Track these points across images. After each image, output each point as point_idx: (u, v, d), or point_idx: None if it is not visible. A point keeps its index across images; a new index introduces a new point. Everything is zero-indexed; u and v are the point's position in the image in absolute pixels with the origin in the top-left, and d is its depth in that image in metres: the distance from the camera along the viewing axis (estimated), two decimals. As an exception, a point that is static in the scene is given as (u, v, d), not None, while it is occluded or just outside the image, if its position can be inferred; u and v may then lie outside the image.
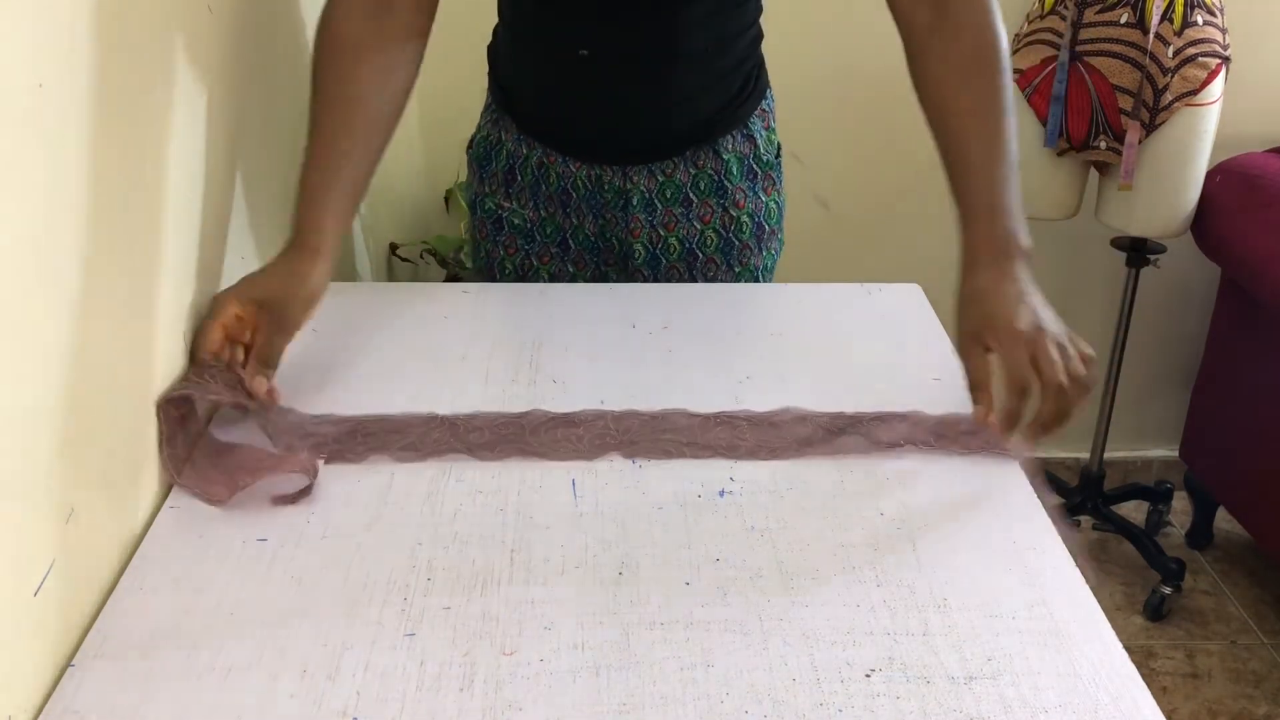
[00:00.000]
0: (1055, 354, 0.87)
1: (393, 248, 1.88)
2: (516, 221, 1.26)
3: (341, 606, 0.75)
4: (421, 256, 1.95)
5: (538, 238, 1.26)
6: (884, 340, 1.11)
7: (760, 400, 0.99)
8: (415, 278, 1.95)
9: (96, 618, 0.74)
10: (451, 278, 1.91)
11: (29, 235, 0.67)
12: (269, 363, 0.93)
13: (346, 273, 1.57)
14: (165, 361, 0.88)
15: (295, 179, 1.26)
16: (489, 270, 1.30)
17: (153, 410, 0.85)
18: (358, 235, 1.65)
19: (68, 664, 0.70)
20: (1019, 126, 1.97)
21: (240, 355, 0.94)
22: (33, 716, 0.66)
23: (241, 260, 1.07)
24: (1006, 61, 1.01)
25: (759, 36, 1.23)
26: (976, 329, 0.91)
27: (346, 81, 1.03)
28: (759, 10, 1.20)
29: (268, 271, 0.97)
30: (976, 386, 0.90)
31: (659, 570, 0.79)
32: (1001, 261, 0.94)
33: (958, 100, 1.01)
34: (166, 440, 0.86)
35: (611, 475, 0.89)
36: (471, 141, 1.30)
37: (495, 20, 1.25)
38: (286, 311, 0.94)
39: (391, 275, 1.90)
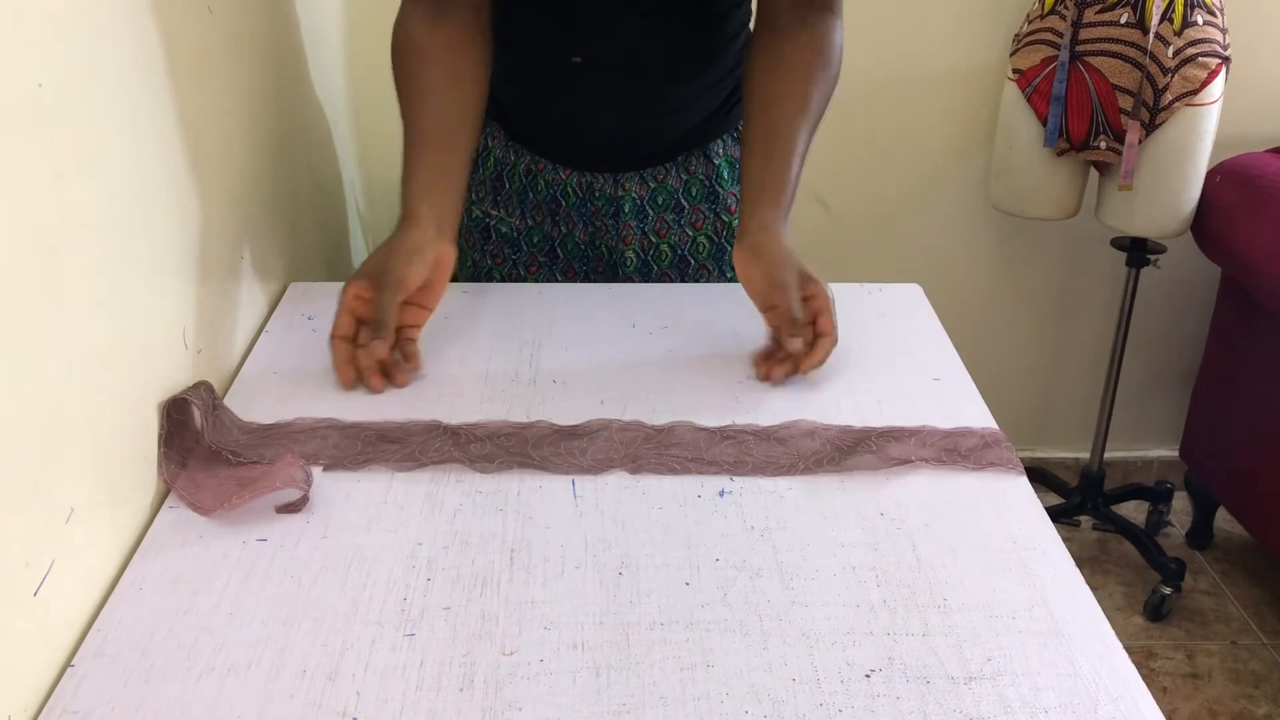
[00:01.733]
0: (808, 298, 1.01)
1: (393, 248, 1.88)
2: (504, 230, 1.26)
3: (341, 606, 0.75)
4: (421, 256, 1.95)
5: (525, 246, 1.26)
6: (884, 340, 1.11)
7: (761, 401, 0.99)
8: (415, 278, 1.95)
9: (96, 618, 0.74)
10: (451, 278, 1.91)
11: (28, 235, 0.67)
12: (380, 323, 0.96)
13: (346, 272, 1.57)
14: (166, 361, 0.88)
15: (295, 176, 1.26)
16: (475, 279, 1.30)
17: (153, 411, 0.85)
18: (357, 235, 1.65)
19: (68, 664, 0.70)
20: (1019, 126, 1.98)
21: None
22: (33, 716, 0.67)
23: (241, 259, 1.07)
24: (829, 87, 1.10)
25: (749, 40, 1.23)
26: (778, 273, 1.02)
27: (419, 78, 1.07)
28: (748, 16, 1.21)
29: (376, 251, 1.02)
30: (790, 322, 1.00)
31: (659, 570, 0.79)
32: (780, 222, 1.06)
33: (776, 89, 1.09)
34: (164, 442, 0.86)
35: (611, 476, 0.89)
36: None
37: None
38: (390, 271, 0.98)
39: (391, 275, 1.89)
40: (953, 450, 0.93)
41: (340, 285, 1.02)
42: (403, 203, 1.03)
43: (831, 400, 1.00)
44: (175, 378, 0.90)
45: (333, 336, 0.99)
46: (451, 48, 1.08)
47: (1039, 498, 0.89)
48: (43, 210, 0.69)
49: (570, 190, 1.23)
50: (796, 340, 0.99)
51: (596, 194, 1.22)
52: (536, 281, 1.27)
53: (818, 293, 1.01)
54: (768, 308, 1.03)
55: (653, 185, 1.22)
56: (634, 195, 1.22)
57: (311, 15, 1.37)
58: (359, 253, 1.65)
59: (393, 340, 0.97)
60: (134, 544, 0.81)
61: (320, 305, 1.15)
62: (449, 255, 1.03)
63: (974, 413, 0.99)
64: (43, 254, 0.69)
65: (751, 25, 1.22)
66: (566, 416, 0.96)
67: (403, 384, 0.99)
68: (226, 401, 0.98)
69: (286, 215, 1.23)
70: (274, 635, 0.72)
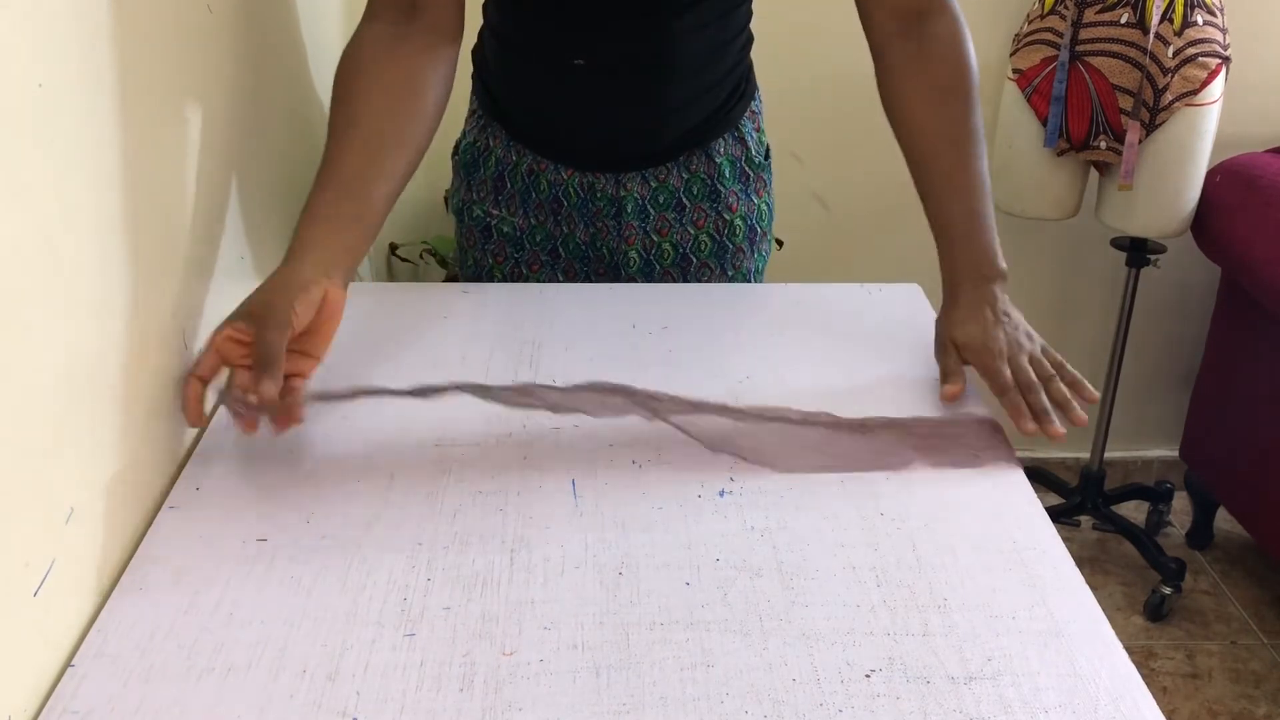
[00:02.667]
0: (1026, 362, 0.97)
1: (393, 248, 1.89)
2: (506, 229, 1.25)
3: (341, 606, 0.75)
4: (421, 256, 1.95)
5: (527, 246, 1.26)
6: (884, 340, 1.11)
7: (761, 402, 0.99)
8: (415, 278, 1.96)
9: (96, 618, 0.74)
10: (451, 278, 1.91)
11: (28, 235, 0.67)
12: (267, 362, 0.85)
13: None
14: (166, 361, 0.88)
15: (295, 177, 1.26)
16: (477, 279, 1.29)
17: (153, 411, 0.85)
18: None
19: (68, 664, 0.70)
20: (1019, 126, 1.98)
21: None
22: (33, 716, 0.66)
23: (241, 260, 1.07)
24: (977, 92, 1.06)
25: (750, 41, 1.23)
26: (956, 345, 1.00)
27: (355, 104, 1.00)
28: (749, 16, 1.21)
29: (254, 292, 0.91)
30: (948, 374, 1.00)
31: (659, 570, 0.79)
32: (981, 285, 1.02)
33: (933, 126, 1.06)
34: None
35: (611, 475, 0.89)
36: (457, 147, 1.30)
37: (481, 22, 1.24)
38: (272, 309, 0.87)
39: (391, 275, 1.90)
40: (942, 436, 0.94)
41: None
42: (292, 239, 0.94)
43: (832, 400, 1.00)
44: (175, 378, 0.90)
45: (190, 375, 0.88)
46: (403, 77, 1.02)
47: (1039, 498, 0.89)
48: (43, 210, 0.69)
49: (572, 191, 1.22)
50: (1028, 424, 0.94)
51: (598, 195, 1.22)
52: (538, 281, 1.27)
53: (985, 363, 0.97)
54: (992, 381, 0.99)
55: (654, 185, 1.22)
56: (636, 195, 1.22)
57: (311, 15, 1.37)
58: (359, 253, 1.65)
59: (281, 384, 0.85)
60: (134, 544, 0.81)
61: (325, 299, 1.14)
62: (338, 297, 0.92)
63: (974, 412, 0.99)
64: (43, 254, 0.69)
65: (752, 25, 1.23)
66: (566, 417, 0.96)
67: (286, 426, 0.88)
68: (226, 401, 0.99)
69: (287, 215, 1.23)
70: (274, 635, 0.72)
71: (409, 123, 1.02)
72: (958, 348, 1.00)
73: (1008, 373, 0.97)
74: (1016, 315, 1.02)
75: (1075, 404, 0.95)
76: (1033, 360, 0.98)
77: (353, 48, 1.04)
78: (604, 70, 1.15)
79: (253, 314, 0.88)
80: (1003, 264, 1.03)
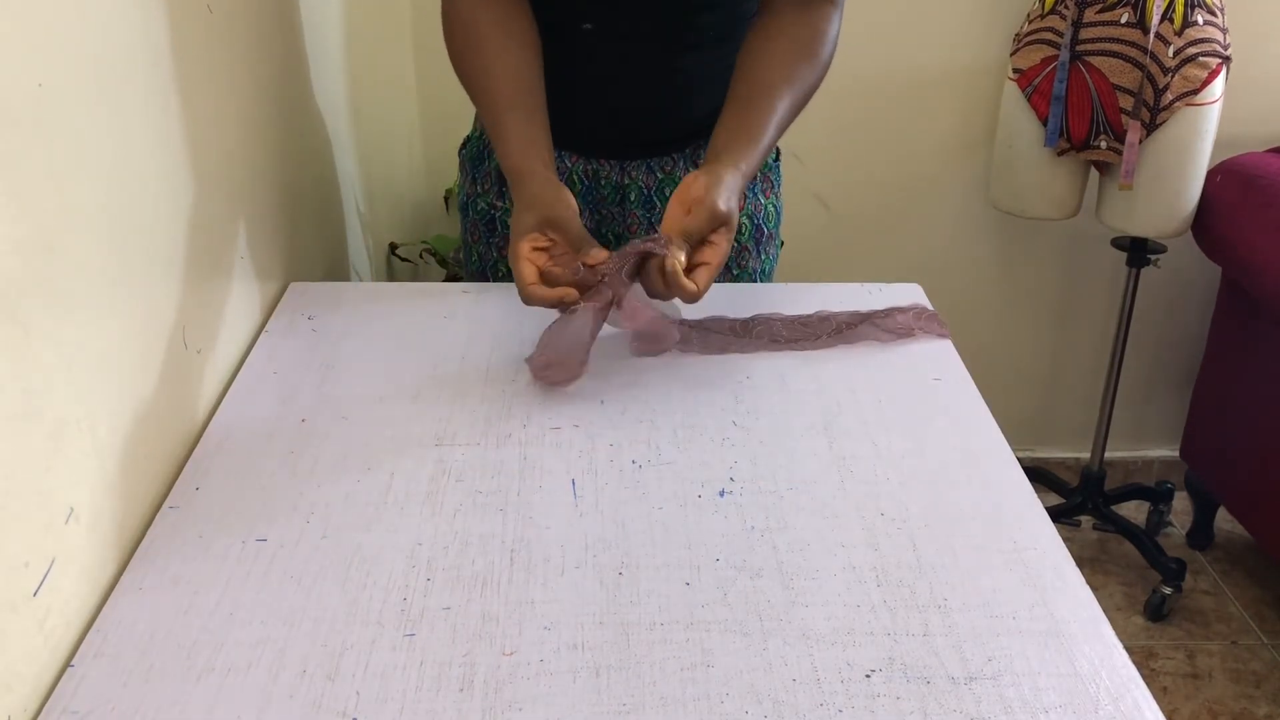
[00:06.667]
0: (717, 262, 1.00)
1: (392, 248, 1.88)
2: (509, 221, 1.25)
3: (341, 606, 0.75)
4: (421, 256, 1.95)
5: None
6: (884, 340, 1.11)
7: (761, 401, 0.99)
8: (415, 277, 1.96)
9: (96, 618, 0.74)
10: (451, 277, 1.91)
11: (27, 235, 0.67)
12: (585, 240, 1.01)
13: (346, 272, 1.57)
14: (166, 361, 0.88)
15: (294, 176, 1.26)
16: (482, 275, 1.29)
17: (151, 409, 0.85)
18: (357, 235, 1.65)
19: (68, 664, 0.70)
20: (1019, 126, 1.98)
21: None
22: (33, 716, 0.67)
23: (241, 260, 1.07)
24: (820, 73, 1.13)
25: None
26: (701, 200, 1.00)
27: (481, 53, 1.11)
28: None
29: (516, 214, 1.03)
30: (672, 238, 1.00)
31: (659, 570, 0.79)
32: (739, 181, 1.04)
33: (777, 61, 1.11)
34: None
35: (611, 475, 0.89)
36: (465, 142, 1.30)
37: None
38: (556, 207, 1.01)
39: (391, 275, 1.90)
40: (889, 315, 1.12)
41: (340, 285, 1.02)
42: (508, 164, 1.06)
43: (832, 401, 1.00)
44: (175, 377, 0.90)
45: (527, 286, 0.99)
46: (505, 17, 1.12)
47: (1039, 498, 0.89)
48: (43, 210, 0.69)
49: (576, 179, 1.22)
50: (680, 254, 0.98)
51: (603, 181, 1.22)
52: None
53: (720, 241, 1.00)
54: (682, 212, 1.02)
55: (660, 176, 1.22)
56: (640, 184, 1.22)
57: (311, 15, 1.37)
58: (358, 253, 1.65)
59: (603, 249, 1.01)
60: (134, 544, 0.81)
61: (320, 305, 1.15)
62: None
63: (974, 413, 0.99)
64: (43, 254, 0.69)
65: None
66: (566, 416, 0.96)
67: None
68: (227, 401, 0.99)
69: (286, 215, 1.23)
70: (274, 635, 0.72)
71: (530, 51, 1.12)
72: (710, 207, 1.00)
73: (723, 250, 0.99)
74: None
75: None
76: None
77: (454, 6, 1.12)
78: (614, 37, 1.14)
79: (547, 220, 1.01)
80: (743, 184, 1.05)
